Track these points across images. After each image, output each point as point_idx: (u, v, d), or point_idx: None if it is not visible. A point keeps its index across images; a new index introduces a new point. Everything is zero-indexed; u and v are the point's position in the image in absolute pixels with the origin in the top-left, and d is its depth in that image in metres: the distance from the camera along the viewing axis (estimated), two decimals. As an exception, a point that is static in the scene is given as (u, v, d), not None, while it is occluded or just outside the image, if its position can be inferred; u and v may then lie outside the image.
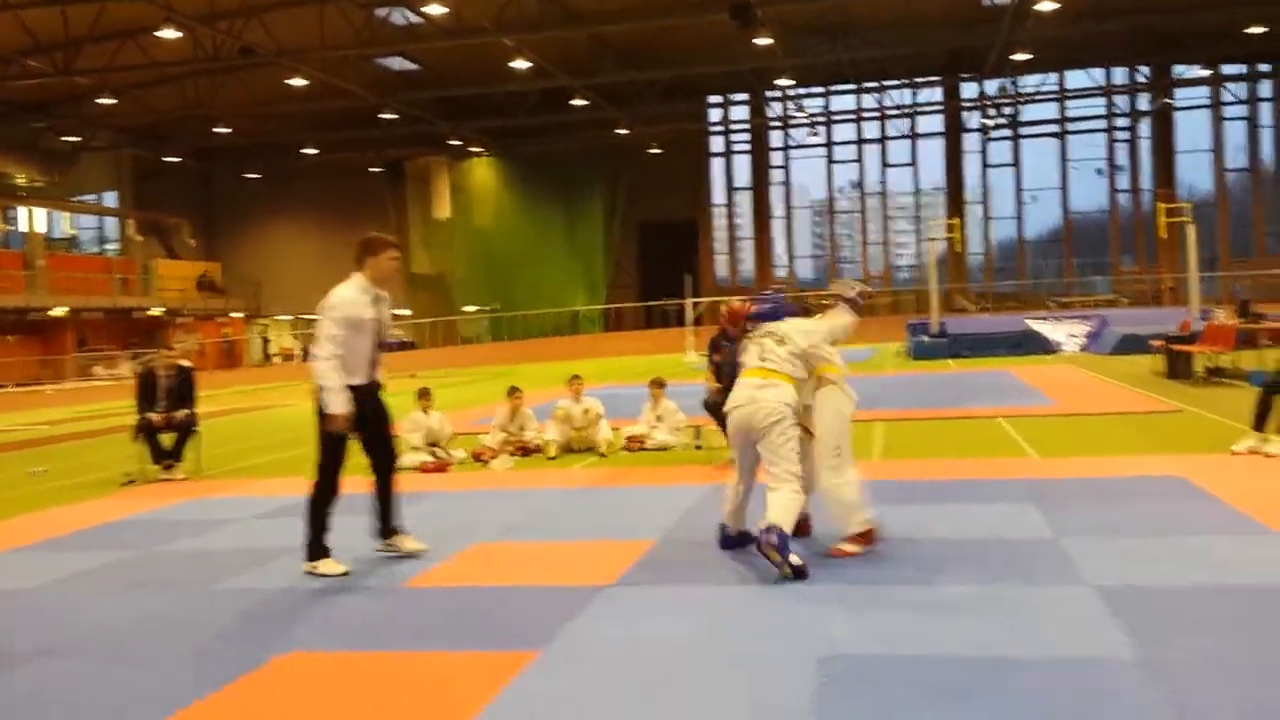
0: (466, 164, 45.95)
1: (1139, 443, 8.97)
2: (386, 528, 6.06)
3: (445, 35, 29.90)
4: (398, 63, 35.36)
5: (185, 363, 10.53)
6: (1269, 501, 6.20)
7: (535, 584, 5.34)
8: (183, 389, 10.07)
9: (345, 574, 5.64)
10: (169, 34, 25.82)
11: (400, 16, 30.43)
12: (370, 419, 5.85)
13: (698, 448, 9.76)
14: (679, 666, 3.99)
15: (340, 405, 5.59)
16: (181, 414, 9.93)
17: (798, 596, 4.82)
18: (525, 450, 10.11)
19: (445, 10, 26.60)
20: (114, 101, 34.35)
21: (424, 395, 10.17)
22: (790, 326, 5.75)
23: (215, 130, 38.82)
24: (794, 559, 5.07)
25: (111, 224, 47.45)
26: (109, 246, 47.88)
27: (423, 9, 27.46)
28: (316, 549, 5.76)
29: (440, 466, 9.55)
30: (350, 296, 5.71)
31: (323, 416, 5.67)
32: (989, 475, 7.66)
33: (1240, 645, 3.88)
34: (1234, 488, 6.66)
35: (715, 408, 8.88)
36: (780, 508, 5.22)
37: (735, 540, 5.71)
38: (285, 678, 4.18)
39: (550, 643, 4.32)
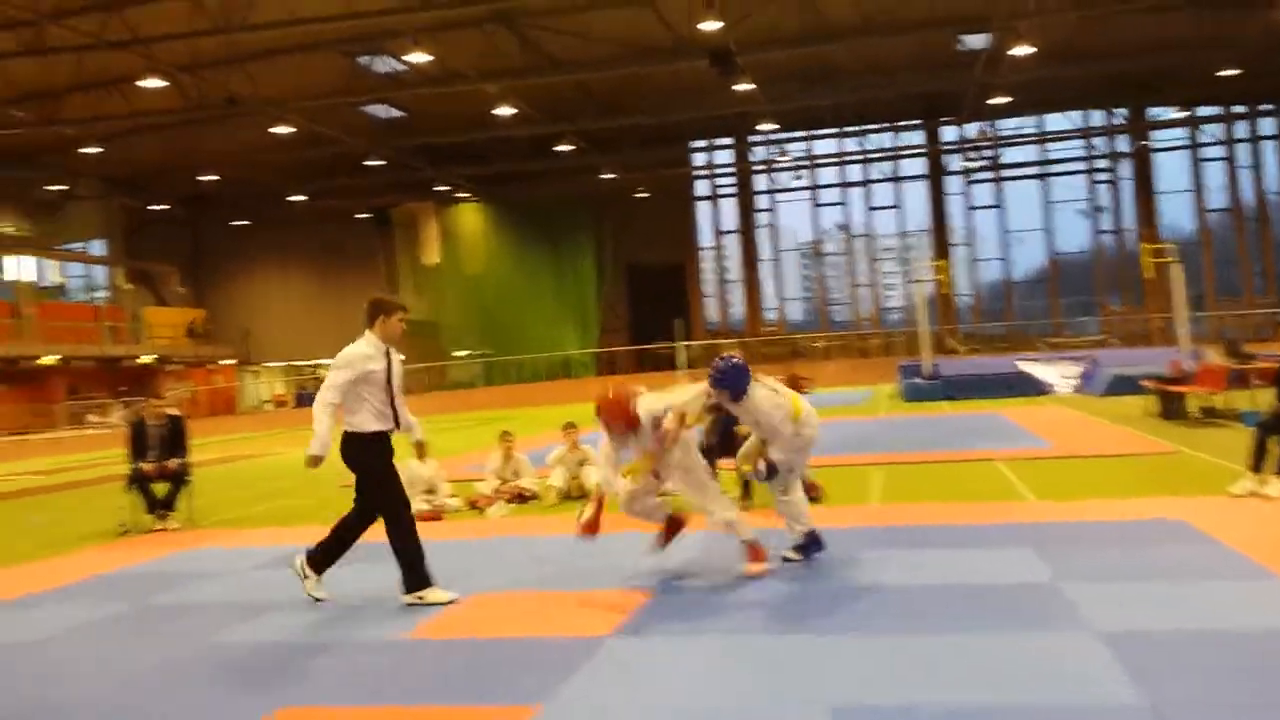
0: (454, 210, 46.13)
1: (1137, 485, 8.98)
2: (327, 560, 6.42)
3: (429, 82, 30.15)
4: (383, 110, 35.59)
5: (175, 411, 10.46)
6: (1269, 544, 6.19)
7: (535, 635, 5.29)
8: (174, 438, 10.00)
9: (452, 601, 6.02)
10: (153, 83, 25.95)
11: (384, 64, 30.69)
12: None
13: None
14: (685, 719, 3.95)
15: (321, 449, 5.95)
16: (173, 463, 9.86)
17: (803, 644, 4.79)
18: (521, 497, 10.06)
19: (429, 58, 26.83)
20: (100, 150, 34.44)
21: (419, 442, 10.09)
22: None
23: (201, 178, 38.92)
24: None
25: (100, 272, 47.41)
26: (98, 294, 47.78)
27: (406, 57, 27.71)
28: (416, 580, 6.09)
29: (435, 515, 9.49)
30: (360, 352, 6.18)
31: (365, 452, 6.13)
32: (986, 519, 7.64)
33: (1241, 688, 3.87)
34: (1234, 530, 6.65)
35: (706, 452, 8.86)
36: None
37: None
38: (287, 735, 4.12)
39: (551, 697, 4.27)
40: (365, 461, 6.16)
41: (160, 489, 9.84)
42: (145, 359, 42.81)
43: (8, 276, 41.38)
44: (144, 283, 46.31)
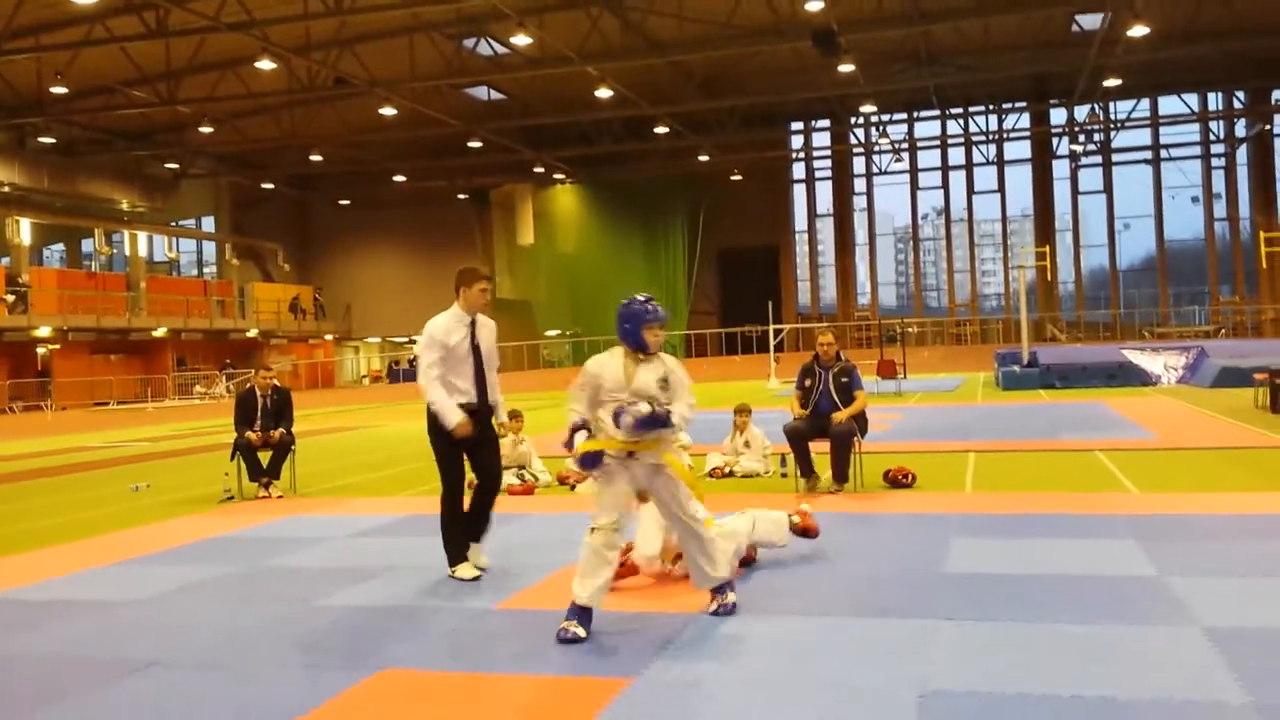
0: (550, 191, 46.56)
1: (1246, 479, 8.67)
2: (470, 535, 6.36)
3: (530, 65, 30.43)
4: (484, 92, 36.07)
5: (281, 383, 10.79)
6: (1389, 543, 5.94)
7: (625, 610, 5.34)
8: (280, 409, 10.32)
9: (477, 578, 6.08)
10: (266, 65, 26.70)
11: (487, 47, 31.09)
12: (481, 440, 6.24)
13: (783, 475, 9.68)
14: (776, 697, 3.96)
15: (453, 416, 5.97)
16: (278, 433, 10.18)
17: (893, 628, 4.75)
18: (610, 475, 10.12)
19: (530, 41, 27.08)
20: (213, 130, 35.60)
21: (514, 418, 10.26)
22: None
23: (310, 158, 39.99)
24: None
25: (210, 248, 49.09)
26: (207, 270, 49.50)
27: (509, 40, 28.01)
28: (451, 555, 6.19)
29: (527, 489, 9.64)
30: (441, 324, 6.15)
31: (437, 433, 6.08)
32: (1087, 510, 7.46)
33: (1365, 693, 3.71)
34: (1350, 528, 6.40)
35: (796, 434, 8.82)
36: None
37: None
38: (387, 694, 4.24)
39: (644, 670, 4.32)
40: (430, 436, 6.18)
41: (265, 457, 10.17)
42: (250, 333, 44.23)
43: (123, 251, 43.11)
44: (251, 259, 47.80)
